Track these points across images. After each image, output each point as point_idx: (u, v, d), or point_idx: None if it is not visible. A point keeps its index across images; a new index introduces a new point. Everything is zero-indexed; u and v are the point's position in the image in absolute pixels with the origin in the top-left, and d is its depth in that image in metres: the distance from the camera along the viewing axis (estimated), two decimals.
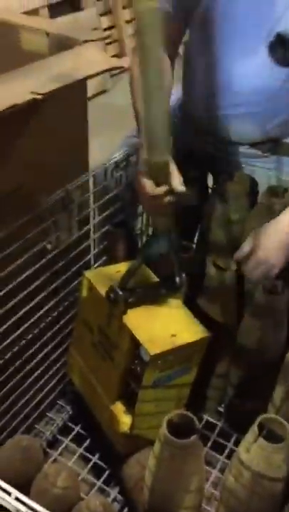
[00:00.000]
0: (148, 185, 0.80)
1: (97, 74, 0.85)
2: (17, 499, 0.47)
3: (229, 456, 1.07)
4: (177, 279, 0.92)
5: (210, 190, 1.05)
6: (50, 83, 0.76)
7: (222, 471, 1.05)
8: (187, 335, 0.88)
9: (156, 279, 0.96)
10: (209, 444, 1.09)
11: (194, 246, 1.06)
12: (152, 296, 0.92)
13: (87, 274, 0.95)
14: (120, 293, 0.86)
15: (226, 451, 1.07)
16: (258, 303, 0.93)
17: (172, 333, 0.87)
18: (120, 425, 0.92)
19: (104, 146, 1.16)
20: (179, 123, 1.12)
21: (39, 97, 0.72)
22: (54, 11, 2.97)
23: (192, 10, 0.95)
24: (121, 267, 0.95)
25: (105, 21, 3.43)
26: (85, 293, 0.97)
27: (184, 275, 0.94)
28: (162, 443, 0.70)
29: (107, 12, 3.45)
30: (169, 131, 0.75)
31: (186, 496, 0.72)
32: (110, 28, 3.43)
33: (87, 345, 0.97)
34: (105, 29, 3.41)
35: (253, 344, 0.97)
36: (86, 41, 0.92)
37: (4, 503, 0.48)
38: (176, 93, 1.12)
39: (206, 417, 1.13)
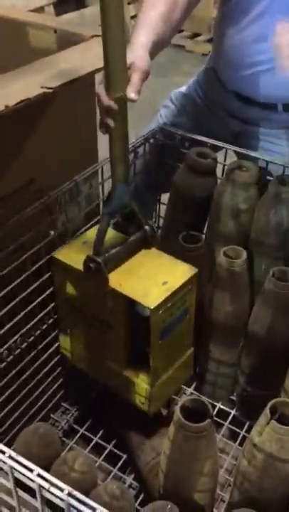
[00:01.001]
0: (102, 94, 0.76)
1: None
2: (39, 475, 0.49)
3: (242, 444, 1.08)
4: (146, 228, 0.90)
5: (218, 181, 1.06)
6: (59, 78, 0.77)
7: (236, 458, 1.06)
8: (177, 278, 0.87)
9: (123, 236, 0.93)
10: (222, 432, 1.11)
11: (204, 236, 1.06)
12: (127, 253, 0.90)
13: (56, 255, 0.91)
14: (99, 260, 0.83)
15: (239, 438, 1.09)
16: (268, 290, 0.94)
17: (162, 281, 0.86)
18: (139, 385, 0.92)
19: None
20: (205, 99, 1.19)
21: (49, 91, 0.74)
22: (59, 8, 2.99)
23: None
24: (85, 237, 0.93)
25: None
26: (59, 276, 0.93)
27: (150, 223, 0.92)
28: (177, 427, 0.71)
29: None
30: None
31: (201, 479, 0.74)
32: None
33: (80, 324, 0.97)
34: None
35: (264, 332, 0.98)
36: (93, 36, 0.93)
37: (26, 480, 0.50)
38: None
39: (218, 405, 1.14)
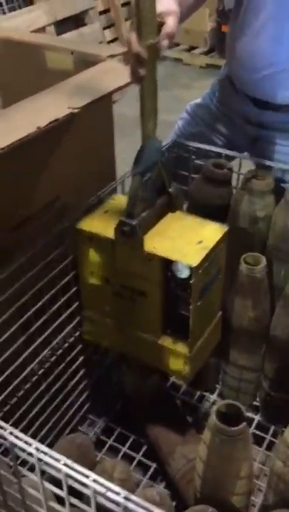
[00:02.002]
0: (134, 41, 0.74)
1: (124, 87, 0.89)
2: (95, 481, 0.51)
3: (269, 448, 1.10)
4: (171, 189, 0.88)
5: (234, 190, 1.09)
6: (84, 98, 0.80)
7: (262, 463, 1.08)
8: (210, 236, 0.86)
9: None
10: None
11: None
12: (156, 215, 0.88)
13: (80, 226, 0.88)
14: (134, 223, 0.80)
15: (265, 443, 1.10)
16: (288, 295, 0.96)
17: (196, 240, 0.84)
18: (176, 352, 0.90)
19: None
20: (221, 107, 1.22)
21: (76, 111, 0.77)
22: (60, 27, 3.05)
23: None
24: (106, 207, 0.91)
25: (109, 34, 3.51)
26: (84, 247, 0.90)
27: (174, 184, 0.89)
28: (213, 431, 0.73)
29: (110, 25, 3.53)
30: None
31: (238, 482, 0.75)
32: (114, 40, 3.50)
33: (108, 298, 0.93)
34: (109, 42, 3.48)
35: (286, 336, 1.00)
36: (110, 56, 0.97)
37: (79, 487, 0.51)
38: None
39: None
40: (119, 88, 0.90)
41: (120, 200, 0.90)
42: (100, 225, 0.86)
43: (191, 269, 0.80)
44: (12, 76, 1.11)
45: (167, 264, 0.83)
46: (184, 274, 0.82)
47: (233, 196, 1.07)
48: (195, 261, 0.80)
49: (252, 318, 1.03)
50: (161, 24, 0.78)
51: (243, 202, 1.03)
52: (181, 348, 0.90)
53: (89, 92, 0.84)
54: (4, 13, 2.76)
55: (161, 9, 0.77)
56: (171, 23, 0.78)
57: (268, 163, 1.09)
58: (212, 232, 0.87)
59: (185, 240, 0.84)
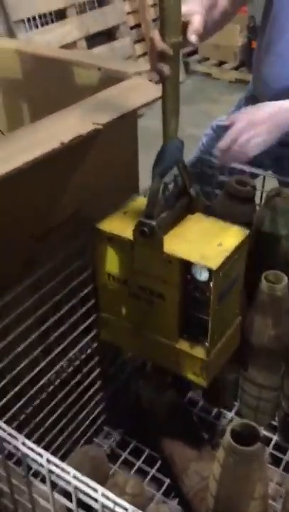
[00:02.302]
0: (157, 38, 0.74)
1: (148, 104, 0.90)
2: (103, 495, 0.51)
3: (286, 469, 1.08)
4: (191, 191, 0.87)
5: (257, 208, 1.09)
6: (108, 114, 0.82)
7: (279, 484, 1.06)
8: (231, 239, 0.84)
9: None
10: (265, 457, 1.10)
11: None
12: (176, 217, 0.87)
13: (100, 226, 0.87)
14: (153, 223, 0.79)
15: (283, 463, 1.08)
16: None
17: (217, 243, 0.83)
18: (193, 357, 0.89)
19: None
20: None
21: (100, 127, 0.78)
22: (91, 41, 3.11)
23: None
24: (125, 208, 0.90)
25: (139, 49, 3.56)
26: (103, 248, 0.89)
27: (195, 185, 0.88)
28: (227, 451, 0.72)
29: (140, 39, 3.58)
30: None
31: (252, 503, 0.74)
32: (144, 54, 3.55)
33: (125, 299, 0.92)
34: (139, 56, 3.53)
35: None
36: (136, 73, 0.98)
37: (89, 500, 0.52)
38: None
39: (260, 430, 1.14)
40: (144, 105, 0.91)
41: (140, 201, 0.90)
42: (120, 225, 0.86)
43: (211, 271, 0.79)
44: (41, 91, 1.14)
45: (186, 266, 0.82)
46: (203, 276, 0.81)
47: (255, 214, 1.07)
48: (215, 264, 0.79)
49: (272, 336, 1.02)
50: (186, 24, 0.78)
51: (266, 220, 1.02)
52: (199, 352, 0.88)
53: (114, 109, 0.86)
54: (37, 27, 2.83)
55: (186, 9, 0.77)
56: (196, 21, 0.79)
57: None
58: (233, 235, 0.86)
59: (205, 243, 0.84)
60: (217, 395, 1.22)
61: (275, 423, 1.15)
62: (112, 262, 0.90)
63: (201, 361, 0.89)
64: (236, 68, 3.91)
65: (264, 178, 1.12)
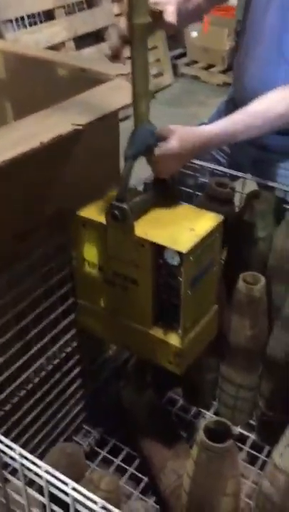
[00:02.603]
0: (122, 22, 0.79)
1: (130, 105, 0.91)
2: (74, 489, 0.52)
3: (262, 468, 1.10)
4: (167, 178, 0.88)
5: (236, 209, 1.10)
6: (88, 115, 0.83)
7: (256, 482, 1.07)
8: (204, 224, 0.84)
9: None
10: (242, 456, 1.12)
11: (223, 262, 1.10)
12: (149, 202, 0.88)
13: (77, 213, 0.88)
14: (124, 206, 0.80)
15: (259, 462, 1.10)
16: (286, 315, 0.97)
17: (189, 227, 0.83)
18: (167, 343, 0.88)
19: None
20: None
21: (80, 127, 0.79)
22: (79, 42, 3.11)
23: None
24: (107, 198, 0.90)
25: (128, 50, 3.56)
26: (77, 233, 0.90)
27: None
28: (200, 448, 0.74)
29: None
30: None
31: (224, 500, 0.76)
32: None
33: (100, 285, 0.92)
34: (128, 58, 3.54)
35: (283, 355, 1.01)
36: (119, 75, 0.99)
37: (59, 494, 0.53)
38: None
39: (238, 429, 1.16)
40: (125, 106, 0.92)
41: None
42: (96, 211, 0.86)
43: (181, 255, 0.79)
44: (25, 91, 1.15)
45: (159, 250, 0.82)
46: (174, 260, 0.81)
47: (235, 215, 1.08)
48: (185, 247, 0.79)
49: (249, 336, 1.03)
50: (160, 13, 0.81)
51: (244, 221, 1.04)
52: (173, 339, 0.88)
53: (95, 110, 0.87)
54: (26, 27, 2.83)
55: None
56: (169, 10, 0.82)
57: (270, 183, 1.10)
58: (206, 220, 0.86)
59: (177, 227, 0.84)
60: (196, 395, 1.23)
61: (252, 422, 1.17)
62: (88, 249, 0.90)
63: (174, 348, 0.88)
64: (224, 72, 3.94)
65: (244, 180, 1.14)
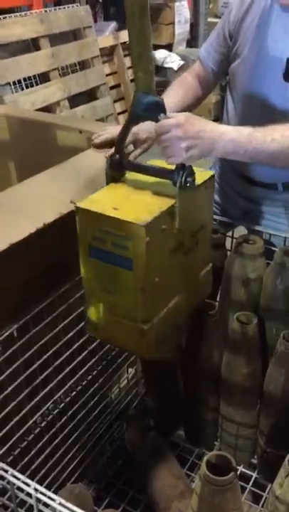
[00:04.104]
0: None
1: None
2: None
3: None
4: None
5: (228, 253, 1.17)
6: (84, 189, 0.91)
7: None
8: (129, 215, 0.81)
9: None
10: (245, 495, 1.13)
11: (217, 303, 1.16)
12: (147, 173, 0.91)
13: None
14: (117, 156, 0.89)
15: (263, 500, 1.11)
16: (280, 352, 1.01)
17: (116, 206, 0.83)
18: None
19: None
20: (218, 180, 1.36)
21: (75, 207, 0.85)
22: (74, 101, 3.28)
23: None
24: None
25: (119, 107, 3.76)
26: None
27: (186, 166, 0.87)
28: (203, 481, 0.77)
29: (120, 98, 3.79)
30: None
31: None
32: (124, 112, 3.74)
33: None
34: (119, 113, 3.73)
35: (279, 392, 1.04)
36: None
37: None
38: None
39: (240, 468, 1.18)
40: None
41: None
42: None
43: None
44: (26, 151, 1.24)
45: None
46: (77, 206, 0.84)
47: (227, 259, 1.15)
48: (84, 205, 0.83)
49: (245, 374, 1.07)
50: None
51: (236, 264, 1.10)
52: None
53: (90, 178, 0.95)
54: (23, 88, 2.99)
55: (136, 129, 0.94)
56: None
57: (258, 228, 1.18)
58: (135, 215, 0.82)
59: (120, 200, 0.86)
60: (198, 435, 1.26)
61: (254, 461, 1.19)
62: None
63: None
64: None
65: (233, 226, 1.21)
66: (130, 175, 0.94)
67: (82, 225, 0.85)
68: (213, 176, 0.96)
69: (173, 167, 0.89)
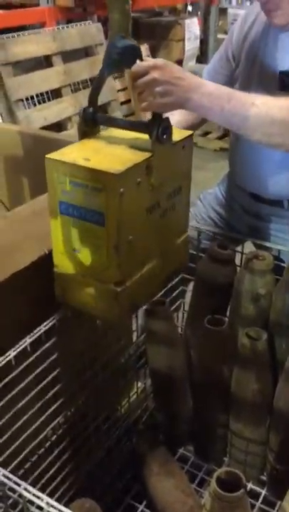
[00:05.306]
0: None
1: None
2: None
3: None
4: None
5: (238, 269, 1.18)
6: None
7: None
8: (101, 165, 0.78)
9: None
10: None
11: (227, 319, 1.16)
12: (123, 126, 0.89)
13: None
14: (90, 109, 0.86)
15: None
16: None
17: (88, 158, 0.80)
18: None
19: None
20: (225, 196, 1.39)
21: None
22: None
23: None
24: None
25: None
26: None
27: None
28: (212, 497, 0.77)
29: (130, 114, 3.82)
30: None
31: None
32: None
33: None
34: None
35: None
36: None
37: None
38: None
39: (249, 485, 1.17)
40: None
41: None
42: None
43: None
44: (39, 166, 1.26)
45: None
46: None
47: (236, 275, 1.16)
48: (57, 156, 0.80)
49: (255, 390, 1.08)
50: None
51: (246, 280, 1.11)
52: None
53: None
54: (35, 105, 3.04)
55: None
56: None
57: (266, 244, 1.19)
58: (107, 165, 0.79)
59: (93, 151, 0.84)
60: (207, 451, 1.26)
61: (264, 478, 1.19)
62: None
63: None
64: (220, 138, 4.16)
65: (243, 242, 1.23)
66: (105, 131, 0.90)
67: (52, 178, 0.81)
68: (191, 135, 0.91)
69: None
